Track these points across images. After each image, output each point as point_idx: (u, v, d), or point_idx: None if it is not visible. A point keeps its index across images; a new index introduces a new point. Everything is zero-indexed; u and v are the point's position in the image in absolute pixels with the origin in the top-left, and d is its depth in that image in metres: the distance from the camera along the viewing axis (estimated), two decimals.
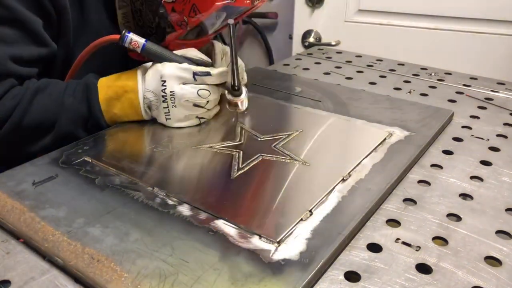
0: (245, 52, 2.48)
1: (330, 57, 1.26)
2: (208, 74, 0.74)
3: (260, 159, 0.69)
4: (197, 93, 0.75)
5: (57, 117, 0.75)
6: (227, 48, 0.85)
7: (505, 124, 0.85)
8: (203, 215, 0.57)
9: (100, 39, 0.78)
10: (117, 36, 0.76)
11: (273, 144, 0.74)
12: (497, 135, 0.81)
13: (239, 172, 0.66)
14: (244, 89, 0.79)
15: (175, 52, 0.78)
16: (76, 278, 0.49)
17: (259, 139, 0.76)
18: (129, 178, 0.64)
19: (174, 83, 0.74)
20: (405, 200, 0.62)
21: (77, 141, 0.74)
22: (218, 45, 0.85)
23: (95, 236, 0.53)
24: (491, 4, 1.35)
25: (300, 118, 0.86)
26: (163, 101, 0.75)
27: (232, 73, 0.76)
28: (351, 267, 0.50)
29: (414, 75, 1.11)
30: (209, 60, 0.80)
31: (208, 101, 0.77)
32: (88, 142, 0.74)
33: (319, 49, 1.36)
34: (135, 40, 0.75)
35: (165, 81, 0.74)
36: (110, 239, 0.53)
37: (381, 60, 1.22)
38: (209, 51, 0.84)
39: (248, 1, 0.71)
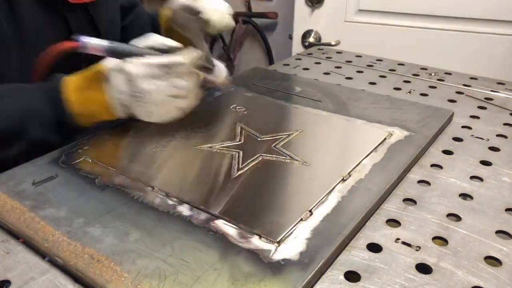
0: (245, 52, 2.48)
1: (330, 57, 1.26)
2: (179, 63, 0.69)
3: (260, 159, 0.69)
4: (171, 85, 0.70)
5: (23, 123, 0.71)
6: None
7: (505, 124, 0.85)
8: (203, 215, 0.57)
9: (55, 46, 0.72)
10: (74, 44, 0.70)
11: (273, 144, 0.74)
12: (497, 135, 0.81)
13: (239, 172, 0.66)
14: (220, 64, 0.77)
15: (136, 41, 0.74)
16: (76, 278, 0.49)
17: (259, 139, 0.75)
18: (129, 178, 0.64)
19: (143, 81, 0.68)
20: (405, 200, 0.62)
21: (77, 141, 0.74)
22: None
23: (95, 236, 0.53)
24: (491, 4, 1.36)
25: (300, 118, 0.86)
26: (137, 101, 0.70)
27: (209, 56, 0.73)
28: (351, 267, 0.50)
29: (414, 75, 1.11)
30: (178, 44, 0.74)
31: (185, 90, 0.71)
32: (88, 142, 0.74)
33: (319, 49, 1.36)
34: (95, 43, 0.69)
35: (133, 81, 0.68)
36: (110, 239, 0.53)
37: (381, 60, 1.22)
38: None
39: None
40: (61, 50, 0.72)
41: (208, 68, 0.74)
